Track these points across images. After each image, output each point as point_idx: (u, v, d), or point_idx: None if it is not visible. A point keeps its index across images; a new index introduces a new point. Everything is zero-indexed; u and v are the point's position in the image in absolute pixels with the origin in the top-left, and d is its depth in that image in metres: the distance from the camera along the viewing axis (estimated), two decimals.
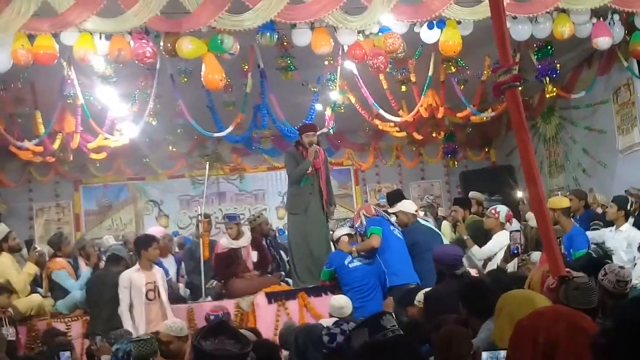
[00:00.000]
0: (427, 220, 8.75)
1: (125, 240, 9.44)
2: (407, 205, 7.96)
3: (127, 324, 6.93)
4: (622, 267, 4.69)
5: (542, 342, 2.25)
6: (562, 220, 6.93)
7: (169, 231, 12.85)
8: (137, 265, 7.34)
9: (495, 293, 3.89)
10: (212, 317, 6.46)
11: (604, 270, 4.60)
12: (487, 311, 4.03)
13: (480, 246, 7.85)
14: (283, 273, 8.86)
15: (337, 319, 5.60)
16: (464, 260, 6.78)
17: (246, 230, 8.51)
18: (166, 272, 8.62)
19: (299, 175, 8.16)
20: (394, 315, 5.41)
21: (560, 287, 3.94)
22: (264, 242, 8.95)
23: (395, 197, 8.44)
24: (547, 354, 2.24)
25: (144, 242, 7.48)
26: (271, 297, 7.69)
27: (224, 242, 8.31)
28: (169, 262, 9.29)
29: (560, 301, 3.77)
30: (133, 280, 7.17)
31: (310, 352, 4.17)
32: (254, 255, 8.41)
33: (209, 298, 8.26)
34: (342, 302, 6.19)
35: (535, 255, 6.69)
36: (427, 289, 5.85)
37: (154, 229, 10.11)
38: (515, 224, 8.17)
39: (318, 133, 9.63)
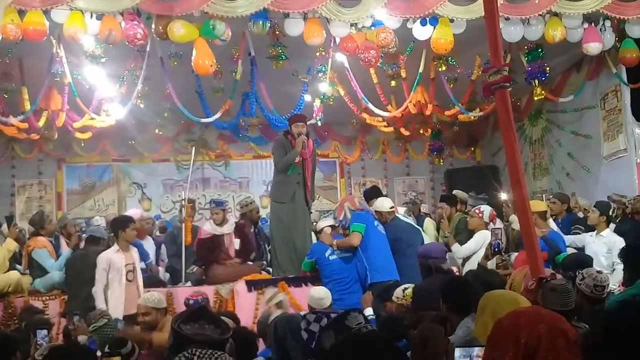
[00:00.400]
0: (407, 217, 8.77)
1: (108, 221, 9.40)
2: (381, 205, 7.96)
3: (101, 305, 6.92)
4: (599, 272, 4.74)
5: (524, 343, 2.27)
6: (538, 224, 6.99)
7: (151, 214, 12.81)
8: (115, 246, 7.32)
9: (477, 291, 3.92)
10: (191, 302, 6.48)
11: (581, 275, 4.65)
12: (467, 308, 4.08)
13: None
14: (264, 262, 8.88)
15: (315, 310, 5.62)
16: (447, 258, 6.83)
17: (230, 217, 8.51)
18: (146, 255, 8.61)
19: (286, 164, 8.16)
20: (367, 311, 5.42)
21: (538, 288, 3.98)
22: (251, 230, 8.96)
23: (371, 194, 8.46)
24: (529, 354, 2.26)
25: (121, 223, 7.48)
26: (251, 285, 7.70)
27: (207, 227, 8.31)
28: (149, 245, 9.28)
29: (538, 303, 3.81)
30: (113, 261, 7.15)
31: (289, 343, 4.18)
32: (236, 243, 8.41)
33: (189, 283, 8.26)
34: (321, 293, 6.21)
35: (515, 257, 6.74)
36: (411, 285, 5.88)
37: (133, 211, 10.08)
38: (499, 224, 8.21)
39: None
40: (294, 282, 7.75)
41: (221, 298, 7.63)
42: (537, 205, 7.54)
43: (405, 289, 5.82)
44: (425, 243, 7.65)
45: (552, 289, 3.92)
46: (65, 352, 3.74)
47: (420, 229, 8.57)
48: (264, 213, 11.55)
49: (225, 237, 8.28)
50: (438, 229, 9.44)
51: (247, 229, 8.80)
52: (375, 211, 7.90)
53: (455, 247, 7.89)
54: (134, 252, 7.49)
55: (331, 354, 2.40)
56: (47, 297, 7.73)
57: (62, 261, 7.87)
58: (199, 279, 8.29)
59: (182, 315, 3.29)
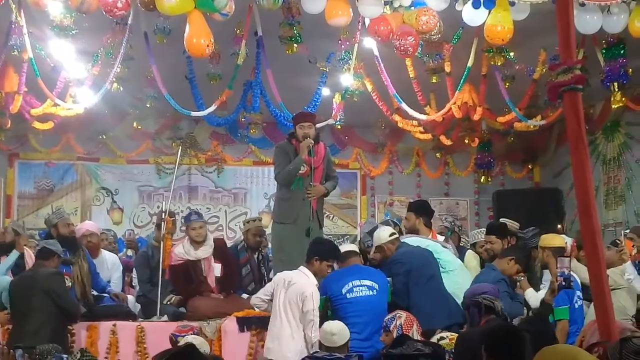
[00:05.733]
0: (446, 247, 8.71)
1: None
2: (378, 237, 7.90)
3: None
4: None
5: None
6: (551, 263, 6.93)
7: (123, 228, 12.86)
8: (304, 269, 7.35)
9: (534, 344, 3.88)
10: (178, 338, 6.52)
11: None
12: None
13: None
14: None
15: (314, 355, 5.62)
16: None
17: (210, 237, 8.50)
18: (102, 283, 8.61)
19: (289, 175, 8.16)
20: None
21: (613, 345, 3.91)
22: (254, 257, 9.00)
23: (419, 208, 8.85)
24: None
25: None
26: (244, 324, 7.67)
27: (179, 251, 8.33)
28: (111, 264, 9.27)
29: None
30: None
31: None
32: (217, 269, 8.40)
33: (165, 317, 8.25)
34: (334, 328, 6.18)
35: None
36: (449, 333, 5.83)
37: (86, 224, 9.91)
38: None
39: (321, 124, 9.63)
40: None
41: (205, 339, 7.60)
42: (552, 240, 7.40)
43: (442, 338, 5.73)
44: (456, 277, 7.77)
45: (637, 351, 3.80)
46: None
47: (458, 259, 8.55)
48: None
49: (203, 263, 8.30)
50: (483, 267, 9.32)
51: (227, 248, 8.82)
52: (376, 247, 7.86)
53: (530, 292, 7.64)
54: None
55: None
56: None
57: (8, 263, 7.87)
58: (178, 312, 8.28)
59: (162, 355, 3.26)
